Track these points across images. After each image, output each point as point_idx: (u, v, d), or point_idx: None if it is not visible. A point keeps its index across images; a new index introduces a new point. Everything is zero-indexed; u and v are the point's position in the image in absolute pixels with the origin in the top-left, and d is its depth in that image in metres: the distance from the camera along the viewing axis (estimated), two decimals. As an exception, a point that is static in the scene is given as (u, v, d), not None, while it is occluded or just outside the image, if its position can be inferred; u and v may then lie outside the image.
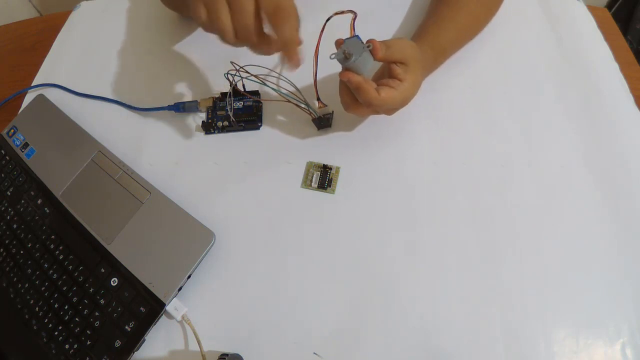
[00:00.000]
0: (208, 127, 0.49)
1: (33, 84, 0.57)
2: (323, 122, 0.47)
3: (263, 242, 0.42)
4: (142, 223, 0.43)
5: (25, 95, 0.57)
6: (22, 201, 0.47)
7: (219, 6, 0.32)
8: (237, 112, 0.49)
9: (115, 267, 0.41)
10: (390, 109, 0.42)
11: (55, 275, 0.42)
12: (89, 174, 0.47)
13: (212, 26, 0.33)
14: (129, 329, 0.38)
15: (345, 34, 0.37)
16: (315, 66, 0.40)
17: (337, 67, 0.39)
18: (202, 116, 0.51)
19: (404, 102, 0.41)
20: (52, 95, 0.54)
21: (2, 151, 0.51)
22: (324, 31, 0.37)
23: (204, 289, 0.41)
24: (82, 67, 0.58)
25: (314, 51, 0.39)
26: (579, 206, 0.41)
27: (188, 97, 0.51)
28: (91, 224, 0.44)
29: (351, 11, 0.38)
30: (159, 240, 0.42)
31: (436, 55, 0.46)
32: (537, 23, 0.53)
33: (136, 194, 0.44)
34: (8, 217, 0.47)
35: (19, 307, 0.42)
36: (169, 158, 0.48)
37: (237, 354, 0.37)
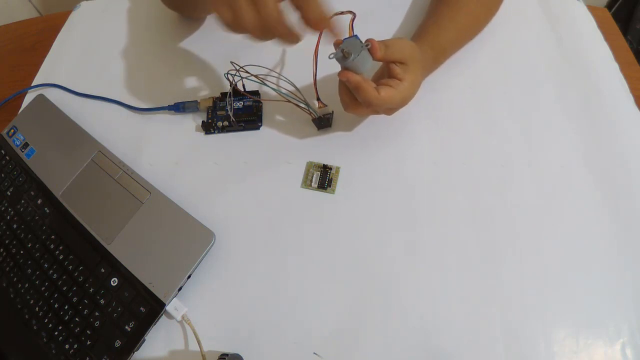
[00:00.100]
0: (208, 127, 0.49)
1: (33, 84, 0.57)
2: (323, 122, 0.47)
3: (263, 242, 0.42)
4: (142, 223, 0.43)
5: (25, 95, 0.57)
6: (22, 201, 0.47)
7: (243, 4, 0.31)
8: (237, 112, 0.49)
9: (115, 267, 0.41)
10: (389, 109, 0.42)
11: (55, 275, 0.42)
12: (89, 174, 0.47)
13: (238, 26, 0.33)
14: (129, 329, 0.38)
15: (344, 34, 0.37)
16: (315, 66, 0.40)
17: (337, 67, 0.39)
18: (202, 116, 0.51)
19: (403, 102, 0.41)
20: (52, 95, 0.54)
21: (2, 151, 0.51)
22: (324, 31, 0.37)
23: (204, 289, 0.41)
24: (82, 67, 0.58)
25: (314, 51, 0.39)
26: (579, 206, 0.41)
27: (188, 97, 0.51)
28: (91, 224, 0.44)
29: (350, 12, 0.38)
30: (159, 240, 0.42)
31: (436, 55, 0.46)
32: (537, 23, 0.53)
33: (136, 194, 0.44)
34: (8, 217, 0.47)
35: (19, 307, 0.42)
36: (169, 158, 0.48)
37: (237, 354, 0.37)
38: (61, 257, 0.43)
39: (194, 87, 0.53)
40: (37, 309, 0.41)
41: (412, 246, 0.41)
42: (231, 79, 0.46)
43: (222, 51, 0.55)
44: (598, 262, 0.39)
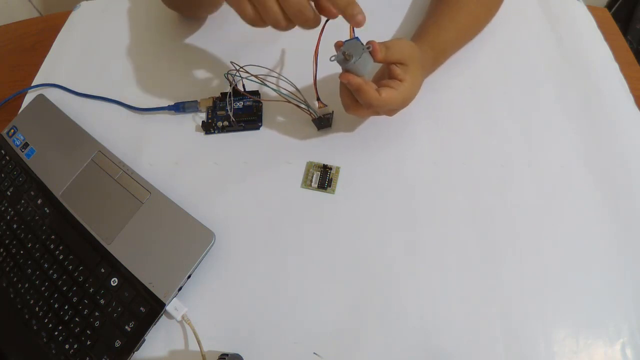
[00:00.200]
0: (208, 127, 0.49)
1: (33, 84, 0.57)
2: (323, 122, 0.47)
3: (263, 242, 0.42)
4: (142, 223, 0.43)
5: (25, 95, 0.57)
6: (22, 201, 0.47)
7: None
8: (237, 112, 0.49)
9: (115, 267, 0.41)
10: (390, 110, 0.42)
11: (55, 275, 0.42)
12: (89, 174, 0.47)
13: (263, 19, 0.33)
14: (129, 329, 0.38)
15: (344, 35, 0.37)
16: (315, 66, 0.40)
17: (337, 67, 0.39)
18: (202, 116, 0.51)
19: (404, 103, 0.41)
20: (52, 95, 0.54)
21: (2, 151, 0.51)
22: (324, 32, 0.37)
23: (204, 289, 0.41)
24: (82, 67, 0.58)
25: (314, 51, 0.39)
26: (579, 206, 0.41)
27: (188, 97, 0.51)
28: (91, 224, 0.44)
29: None
30: (159, 240, 0.42)
31: (436, 55, 0.46)
32: (537, 23, 0.53)
33: (136, 194, 0.44)
34: (8, 217, 0.47)
35: (19, 307, 0.42)
36: (169, 158, 0.48)
37: (237, 354, 0.37)
38: (61, 257, 0.43)
39: (194, 87, 0.53)
40: (37, 309, 0.41)
41: (412, 246, 0.41)
42: (231, 79, 0.46)
43: (222, 51, 0.55)
44: (598, 262, 0.39)
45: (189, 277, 0.40)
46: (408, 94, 0.40)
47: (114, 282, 0.40)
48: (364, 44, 0.37)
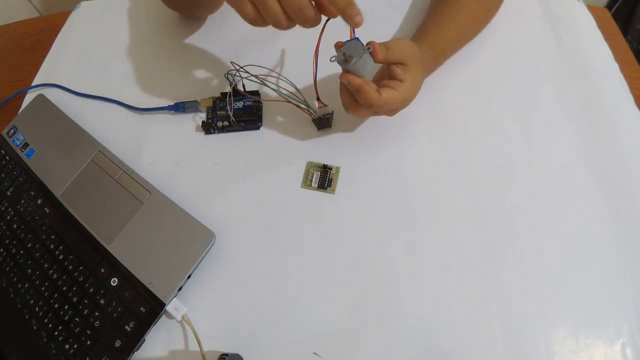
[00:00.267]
0: (208, 127, 0.49)
1: (33, 84, 0.57)
2: (323, 123, 0.47)
3: (263, 242, 0.42)
4: (142, 223, 0.43)
5: (25, 95, 0.57)
6: (22, 201, 0.47)
7: None
8: (237, 112, 0.49)
9: (115, 267, 0.41)
10: (391, 110, 0.42)
11: (55, 275, 0.42)
12: (89, 174, 0.47)
13: (263, 18, 0.33)
14: (129, 329, 0.38)
15: (344, 35, 0.37)
16: (315, 66, 0.40)
17: (337, 67, 0.39)
18: (202, 116, 0.51)
19: (404, 103, 0.41)
20: (52, 95, 0.54)
21: (2, 151, 0.51)
22: (324, 31, 0.37)
23: (204, 289, 0.41)
24: (82, 67, 0.58)
25: (314, 52, 0.39)
26: (579, 206, 0.41)
27: (188, 97, 0.51)
28: (91, 224, 0.44)
29: None
30: (159, 240, 0.42)
31: (436, 55, 0.46)
32: (537, 23, 0.53)
33: (136, 194, 0.44)
34: (8, 217, 0.47)
35: (19, 307, 0.42)
36: (169, 158, 0.48)
37: (237, 354, 0.37)
38: (61, 257, 0.43)
39: (194, 87, 0.53)
40: (37, 309, 0.41)
41: (412, 246, 0.41)
42: (231, 79, 0.46)
43: (222, 51, 0.55)
44: (598, 262, 0.39)
45: (189, 277, 0.40)
46: (408, 94, 0.40)
47: (114, 282, 0.40)
48: (364, 44, 0.37)
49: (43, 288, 0.42)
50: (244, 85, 0.48)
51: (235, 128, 0.49)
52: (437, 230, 0.41)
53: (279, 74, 0.49)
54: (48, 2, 0.91)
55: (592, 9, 0.55)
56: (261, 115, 0.49)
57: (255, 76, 0.46)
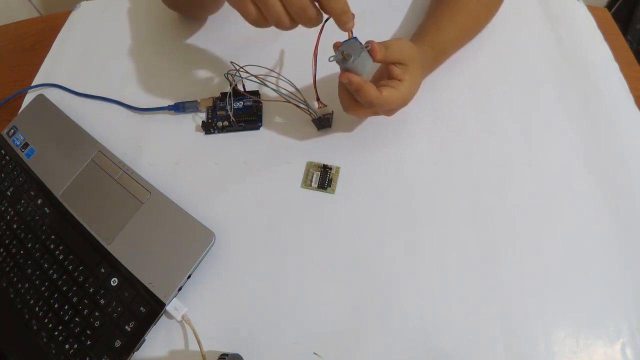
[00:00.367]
0: (208, 127, 0.49)
1: (33, 84, 0.57)
2: (323, 123, 0.47)
3: (263, 242, 0.42)
4: (142, 223, 0.43)
5: (25, 95, 0.57)
6: (22, 201, 0.47)
7: None
8: (237, 112, 0.49)
9: (115, 267, 0.41)
10: (390, 110, 0.42)
11: (55, 275, 0.42)
12: (89, 174, 0.47)
13: (266, 19, 0.33)
14: (129, 329, 0.38)
15: (344, 35, 0.37)
16: (315, 67, 0.40)
17: (337, 67, 0.39)
18: (202, 116, 0.51)
19: (404, 102, 0.41)
20: (52, 95, 0.54)
21: (2, 151, 0.51)
22: (324, 32, 0.37)
23: (204, 289, 0.41)
24: (82, 67, 0.58)
25: (313, 52, 0.39)
26: (579, 206, 0.41)
27: (188, 97, 0.51)
28: (91, 224, 0.44)
29: None
30: (159, 240, 0.42)
31: (436, 55, 0.46)
32: (537, 23, 0.53)
33: (136, 194, 0.44)
34: (8, 217, 0.47)
35: (19, 307, 0.42)
36: (169, 158, 0.48)
37: (237, 354, 0.37)
38: (61, 257, 0.43)
39: (194, 87, 0.53)
40: (37, 309, 0.41)
41: (412, 246, 0.41)
42: (231, 79, 0.46)
43: (222, 51, 0.55)
44: (598, 262, 0.39)
45: (189, 277, 0.40)
46: (408, 94, 0.40)
47: (114, 282, 0.40)
48: (362, 43, 0.37)
49: (43, 288, 0.42)
50: (244, 85, 0.48)
51: (235, 128, 0.49)
52: (437, 230, 0.41)
53: (279, 74, 0.49)
54: (48, 2, 0.91)
55: (592, 9, 0.55)
56: (261, 115, 0.49)
57: (255, 76, 0.46)
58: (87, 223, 0.44)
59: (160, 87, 0.54)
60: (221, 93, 0.51)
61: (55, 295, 0.41)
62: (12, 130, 0.52)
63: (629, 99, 0.47)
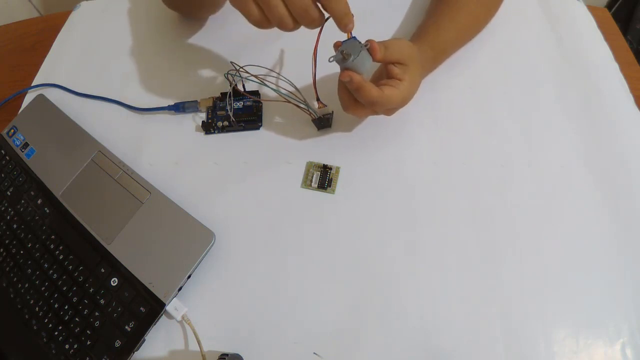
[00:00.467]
0: (208, 127, 0.49)
1: (33, 84, 0.57)
2: (323, 123, 0.47)
3: (263, 242, 0.42)
4: (142, 223, 0.43)
5: (25, 95, 0.57)
6: (22, 201, 0.47)
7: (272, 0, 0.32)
8: (237, 112, 0.49)
9: (115, 267, 0.41)
10: (390, 109, 0.42)
11: (55, 275, 0.42)
12: (89, 174, 0.47)
13: (269, 20, 0.33)
14: (129, 329, 0.38)
15: (343, 36, 0.37)
16: (314, 67, 0.40)
17: (337, 67, 0.39)
18: (202, 116, 0.51)
19: (404, 102, 0.41)
20: (52, 95, 0.54)
21: (2, 151, 0.51)
22: (324, 33, 0.37)
23: (204, 289, 0.41)
24: (82, 67, 0.58)
25: (313, 52, 0.39)
26: (579, 206, 0.41)
27: (188, 97, 0.51)
28: (91, 224, 0.44)
29: None
30: (159, 240, 0.42)
31: (436, 55, 0.46)
32: (537, 23, 0.53)
33: (136, 194, 0.44)
34: (8, 217, 0.47)
35: (19, 307, 0.42)
36: (169, 158, 0.48)
37: (237, 354, 0.37)
38: (61, 257, 0.43)
39: (194, 87, 0.53)
40: (37, 309, 0.41)
41: (412, 246, 0.41)
42: (231, 79, 0.46)
43: (222, 51, 0.55)
44: (598, 262, 0.39)
45: (189, 277, 0.40)
46: (407, 93, 0.40)
47: (114, 282, 0.40)
48: (362, 42, 0.37)
49: (43, 288, 0.42)
50: (244, 85, 0.48)
51: (235, 128, 0.49)
52: (437, 230, 0.41)
53: (279, 74, 0.49)
54: (48, 2, 0.91)
55: (592, 9, 0.55)
56: (261, 115, 0.49)
57: (255, 76, 0.46)
58: (87, 223, 0.44)
59: (160, 87, 0.54)
60: (221, 93, 0.51)
61: (55, 295, 0.41)
62: (12, 130, 0.52)
63: (629, 99, 0.47)
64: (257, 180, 0.46)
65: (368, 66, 0.38)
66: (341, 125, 0.48)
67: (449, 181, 0.44)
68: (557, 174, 0.43)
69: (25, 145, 0.50)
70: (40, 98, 0.54)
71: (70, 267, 0.42)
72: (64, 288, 0.41)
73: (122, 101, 0.53)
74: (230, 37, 0.56)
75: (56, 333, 0.40)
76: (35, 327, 0.40)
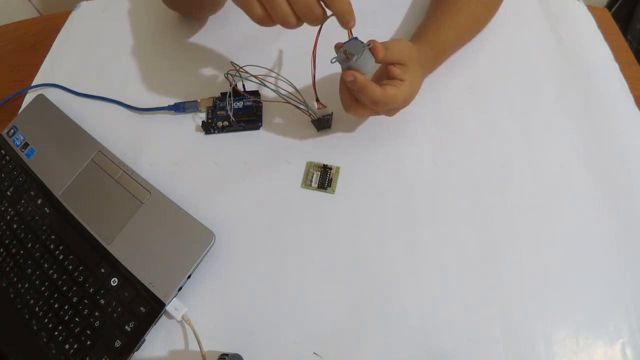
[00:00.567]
0: (208, 127, 0.49)
1: (33, 84, 0.57)
2: (322, 124, 0.47)
3: (263, 242, 0.42)
4: (142, 223, 0.43)
5: (25, 95, 0.57)
6: (22, 201, 0.47)
7: None
8: (237, 112, 0.49)
9: (115, 267, 0.41)
10: (391, 110, 0.42)
11: (55, 275, 0.42)
12: (89, 174, 0.47)
13: (271, 18, 0.33)
14: (129, 329, 0.38)
15: (343, 36, 0.37)
16: (314, 67, 0.40)
17: (336, 68, 0.39)
18: (202, 116, 0.51)
19: (405, 102, 0.41)
20: (52, 95, 0.54)
21: (2, 151, 0.51)
22: (323, 33, 0.37)
23: (204, 289, 0.41)
24: (82, 67, 0.58)
25: (312, 52, 0.39)
26: (579, 206, 0.41)
27: (188, 97, 0.51)
28: (91, 224, 0.44)
29: None
30: (159, 240, 0.42)
31: (436, 55, 0.46)
32: (537, 23, 0.53)
33: (136, 194, 0.44)
34: (8, 217, 0.47)
35: (19, 307, 0.42)
36: (169, 158, 0.48)
37: (237, 354, 0.37)
38: (61, 257, 0.43)
39: (194, 87, 0.53)
40: (37, 309, 0.41)
41: (412, 246, 0.41)
42: (231, 79, 0.46)
43: (222, 51, 0.55)
44: (598, 262, 0.39)
45: (189, 277, 0.40)
46: (409, 93, 0.40)
47: (114, 282, 0.40)
48: (364, 42, 0.37)
49: (43, 288, 0.42)
50: (244, 85, 0.48)
51: (235, 128, 0.49)
52: (437, 230, 0.41)
53: (279, 74, 0.49)
54: (48, 2, 0.91)
55: (592, 9, 0.55)
56: (261, 115, 0.49)
57: (255, 76, 0.46)
58: (87, 223, 0.44)
59: (160, 87, 0.54)
60: (221, 93, 0.51)
61: (55, 295, 0.41)
62: (12, 130, 0.52)
63: (629, 99, 0.47)
64: (257, 180, 0.46)
65: (370, 66, 0.38)
66: (341, 126, 0.48)
67: (449, 181, 0.44)
68: (557, 174, 0.43)
69: (25, 145, 0.50)
70: (40, 98, 0.54)
71: (70, 267, 0.42)
72: (64, 288, 0.41)
73: (122, 101, 0.53)
74: (230, 37, 0.56)
75: (56, 333, 0.40)
76: (35, 327, 0.40)
